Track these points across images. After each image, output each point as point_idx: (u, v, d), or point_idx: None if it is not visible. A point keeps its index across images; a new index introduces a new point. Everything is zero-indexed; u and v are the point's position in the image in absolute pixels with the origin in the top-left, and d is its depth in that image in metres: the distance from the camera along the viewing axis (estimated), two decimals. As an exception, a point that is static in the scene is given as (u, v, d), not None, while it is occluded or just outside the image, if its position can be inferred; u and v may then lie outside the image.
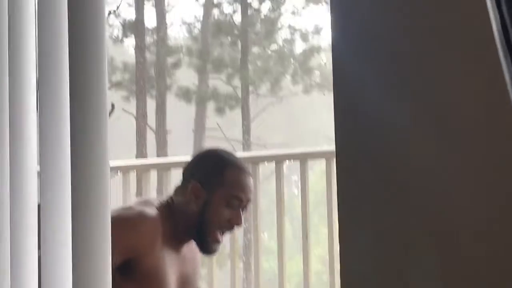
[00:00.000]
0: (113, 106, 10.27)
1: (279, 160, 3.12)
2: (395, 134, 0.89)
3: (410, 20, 0.89)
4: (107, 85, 1.32)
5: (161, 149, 12.70)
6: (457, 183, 0.85)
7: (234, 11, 13.20)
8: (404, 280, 0.87)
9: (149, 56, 13.18)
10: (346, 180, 0.91)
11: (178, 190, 2.21)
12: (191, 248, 2.21)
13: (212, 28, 13.23)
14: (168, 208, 2.17)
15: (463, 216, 0.84)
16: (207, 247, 2.17)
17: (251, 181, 2.19)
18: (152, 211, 2.13)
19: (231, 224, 2.15)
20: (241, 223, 2.16)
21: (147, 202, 2.22)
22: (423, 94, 0.88)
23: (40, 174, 1.32)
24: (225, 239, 3.13)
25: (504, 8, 0.71)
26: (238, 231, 3.36)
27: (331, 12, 0.94)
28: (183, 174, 2.25)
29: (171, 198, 2.21)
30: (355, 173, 0.90)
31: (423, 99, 0.88)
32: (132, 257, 2.06)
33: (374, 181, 0.89)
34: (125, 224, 2.06)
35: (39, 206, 1.34)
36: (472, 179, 0.84)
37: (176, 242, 2.16)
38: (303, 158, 3.05)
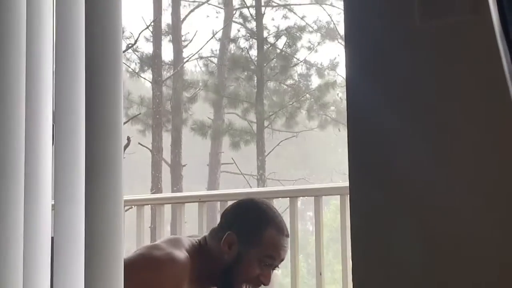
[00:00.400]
0: (129, 139, 10.33)
1: (293, 195, 3.11)
2: (409, 170, 0.88)
3: (424, 55, 0.89)
4: (123, 119, 1.32)
5: (176, 183, 12.71)
6: (473, 214, 0.84)
7: (250, 46, 13.30)
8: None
9: (166, 90, 13.28)
10: (360, 216, 0.90)
11: (213, 233, 2.17)
12: None
13: (228, 63, 13.33)
14: (199, 251, 2.13)
15: (480, 243, 0.83)
16: None
17: (288, 242, 2.17)
18: (181, 254, 2.09)
19: (259, 281, 2.13)
20: (269, 283, 2.13)
21: (177, 242, 2.17)
22: (438, 130, 0.87)
23: (54, 208, 1.32)
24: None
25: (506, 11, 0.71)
26: (252, 267, 3.33)
27: (345, 48, 0.95)
28: (222, 217, 2.22)
29: (204, 239, 2.17)
30: (369, 209, 0.89)
31: (438, 134, 0.87)
32: None
33: (388, 218, 0.88)
34: (153, 264, 2.03)
35: (52, 239, 1.34)
36: (487, 201, 0.83)
37: (200, 286, 2.13)
38: (317, 194, 3.04)
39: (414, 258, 0.86)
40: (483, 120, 0.85)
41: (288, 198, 3.09)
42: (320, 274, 2.89)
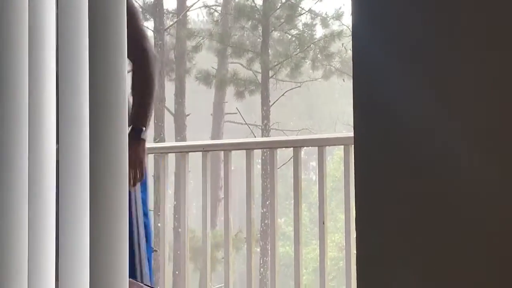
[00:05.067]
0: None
1: (297, 146, 3.11)
2: (414, 121, 0.88)
3: (433, 9, 0.88)
4: (127, 68, 1.32)
5: (180, 133, 12.74)
6: (477, 169, 0.84)
7: (255, -5, 13.15)
8: (422, 267, 0.86)
9: (169, 39, 13.19)
10: (364, 166, 0.90)
11: None
12: None
13: (233, 12, 13.20)
14: None
15: (484, 202, 0.83)
16: None
17: None
18: None
19: None
20: None
21: None
22: (444, 81, 0.87)
23: (58, 156, 1.33)
24: (242, 223, 3.12)
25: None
26: (256, 216, 3.37)
27: (352, -3, 0.93)
28: None
29: None
30: (373, 159, 0.89)
31: (444, 85, 0.87)
32: None
33: (392, 168, 0.88)
34: None
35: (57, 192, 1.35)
36: (492, 155, 0.83)
37: None
38: (321, 144, 3.04)
39: (419, 208, 0.86)
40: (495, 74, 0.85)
41: (292, 148, 3.10)
42: (323, 223, 2.92)
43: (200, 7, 13.79)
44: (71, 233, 1.28)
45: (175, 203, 11.05)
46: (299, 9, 13.30)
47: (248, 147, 3.18)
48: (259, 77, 12.93)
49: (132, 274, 2.33)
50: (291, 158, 3.14)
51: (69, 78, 1.32)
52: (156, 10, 12.82)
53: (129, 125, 2.29)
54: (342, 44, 12.96)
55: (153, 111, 2.49)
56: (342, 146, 3.00)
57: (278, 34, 13.37)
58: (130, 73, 2.39)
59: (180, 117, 12.83)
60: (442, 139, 0.86)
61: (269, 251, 3.22)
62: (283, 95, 13.35)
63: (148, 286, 2.36)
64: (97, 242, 1.23)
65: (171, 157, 3.55)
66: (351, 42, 0.94)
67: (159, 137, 12.26)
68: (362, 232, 0.89)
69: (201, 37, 13.10)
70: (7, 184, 1.35)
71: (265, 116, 12.85)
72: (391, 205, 0.88)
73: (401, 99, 0.90)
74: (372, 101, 0.91)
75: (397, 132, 0.89)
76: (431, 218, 0.85)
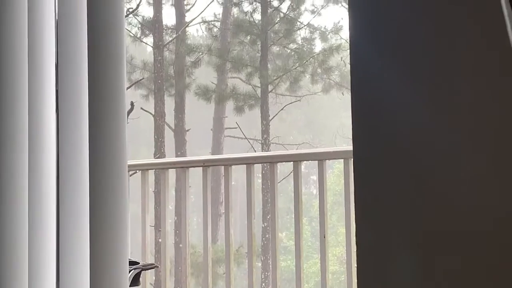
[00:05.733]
0: (132, 105, 10.31)
1: (297, 160, 3.12)
2: (413, 134, 0.88)
3: (429, 19, 0.89)
4: (127, 84, 1.32)
5: (180, 148, 12.73)
6: (479, 184, 0.84)
7: (254, 10, 13.19)
8: (420, 282, 0.86)
9: (169, 55, 13.21)
10: (363, 180, 0.90)
11: None
12: None
13: (232, 27, 13.24)
14: None
15: (485, 218, 0.83)
16: None
17: None
18: None
19: None
20: None
21: None
22: (442, 94, 0.87)
23: (58, 174, 1.33)
24: (243, 238, 3.10)
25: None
26: (256, 230, 3.36)
27: (349, 11, 0.94)
28: None
29: None
30: (372, 173, 0.90)
31: (441, 98, 0.87)
32: None
33: (391, 182, 0.89)
34: None
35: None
36: (492, 178, 0.84)
37: None
38: (321, 158, 3.05)
39: (416, 219, 0.86)
40: (485, 84, 0.85)
41: (292, 162, 3.10)
42: (324, 237, 2.91)
43: (199, 23, 13.83)
44: (71, 235, 1.28)
45: (175, 218, 11.02)
46: (298, 23, 13.34)
47: (248, 162, 3.18)
48: (259, 91, 12.94)
49: None
50: (291, 172, 3.14)
51: (68, 91, 1.32)
52: (155, 26, 12.86)
53: None
54: (341, 58, 12.98)
55: None
56: (342, 160, 3.00)
57: (277, 49, 13.40)
58: None
59: (180, 132, 12.83)
60: (442, 150, 0.87)
61: (271, 266, 3.21)
62: (282, 109, 13.36)
63: None
64: (97, 242, 1.23)
65: (172, 173, 3.55)
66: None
67: (159, 152, 12.25)
68: (361, 245, 0.89)
69: (200, 53, 13.13)
70: (8, 186, 1.35)
71: (265, 131, 12.85)
72: (391, 218, 0.88)
73: (399, 111, 0.90)
74: (370, 114, 0.91)
75: (396, 144, 0.89)
76: (431, 230, 0.86)
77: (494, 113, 0.84)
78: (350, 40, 0.95)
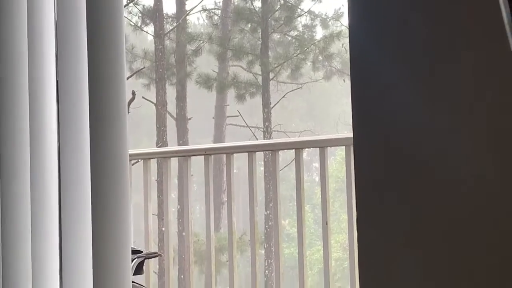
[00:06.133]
0: (134, 94, 10.30)
1: (298, 147, 3.12)
2: (412, 120, 0.88)
3: (432, 3, 0.88)
4: (128, 73, 1.32)
5: (182, 136, 12.74)
6: (474, 171, 0.84)
7: (254, -3, 13.15)
8: (422, 268, 0.86)
9: (170, 44, 13.19)
10: (364, 167, 0.90)
11: None
12: None
13: (232, 15, 13.21)
14: None
15: (481, 204, 0.84)
16: None
17: None
18: None
19: None
20: None
21: None
22: (441, 81, 0.87)
23: (60, 165, 1.33)
24: (246, 226, 3.11)
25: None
26: (259, 218, 3.38)
27: (348, -1, 0.94)
28: None
29: None
30: (372, 160, 0.90)
31: (441, 85, 0.87)
32: None
33: (392, 167, 0.89)
34: None
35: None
36: (489, 152, 0.84)
37: None
38: (322, 146, 3.05)
39: (418, 209, 0.87)
40: (484, 75, 0.85)
41: (294, 149, 3.10)
42: (326, 224, 2.92)
43: (199, 11, 13.80)
44: (73, 226, 1.28)
45: (178, 207, 11.04)
46: (298, 10, 13.30)
47: (250, 150, 3.19)
48: (260, 79, 12.93)
49: None
50: (293, 159, 3.14)
51: (69, 81, 1.32)
52: (156, 15, 12.83)
53: None
54: (342, 45, 12.95)
55: None
56: (344, 147, 3.00)
57: (278, 36, 13.37)
58: None
59: (182, 121, 12.83)
60: (441, 137, 0.87)
61: (274, 253, 3.22)
62: (284, 96, 13.35)
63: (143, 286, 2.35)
64: (100, 232, 1.23)
65: (174, 162, 3.55)
66: (348, 43, 0.94)
67: (161, 141, 12.26)
68: (362, 231, 0.89)
69: (201, 41, 13.11)
70: (10, 189, 1.35)
71: (267, 118, 12.84)
72: (392, 204, 0.89)
73: (399, 98, 0.90)
74: (370, 100, 0.91)
75: (396, 131, 0.89)
76: (431, 216, 0.86)
77: (495, 105, 0.84)
78: (349, 28, 0.95)
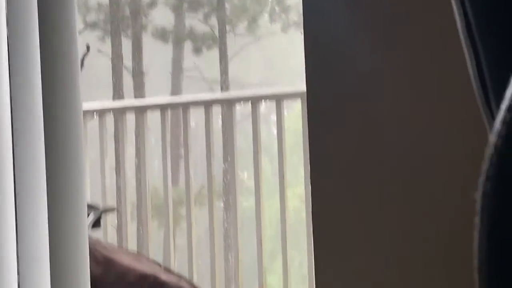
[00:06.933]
0: (88, 47, 10.13)
1: (255, 100, 3.12)
2: (366, 72, 0.89)
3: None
4: (81, 25, 1.30)
5: (138, 90, 12.61)
6: (425, 134, 0.86)
7: None
8: (375, 218, 0.88)
9: (124, -5, 12.94)
10: (317, 120, 0.91)
11: None
12: None
13: (188, -34, 12.99)
14: None
15: (431, 171, 0.85)
16: None
17: None
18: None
19: None
20: None
21: None
22: (394, 29, 0.88)
23: (12, 120, 1.31)
24: (203, 179, 3.14)
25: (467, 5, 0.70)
26: (217, 172, 3.39)
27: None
28: None
29: None
30: (325, 112, 0.91)
31: (393, 34, 0.88)
32: None
33: (345, 122, 0.90)
34: None
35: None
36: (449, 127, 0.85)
37: None
38: (279, 98, 3.06)
39: (371, 163, 0.88)
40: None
41: (250, 102, 3.11)
42: (283, 177, 2.95)
43: (154, -38, 13.53)
44: (27, 191, 1.27)
45: (136, 161, 11.00)
46: (255, -39, 13.15)
47: (206, 104, 3.18)
48: (216, 32, 12.81)
49: None
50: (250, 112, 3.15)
51: (18, 34, 1.29)
52: (109, -34, 12.54)
53: None
54: (299, -3, 12.89)
55: None
56: (300, 99, 3.02)
57: (235, -12, 13.22)
58: None
59: (138, 74, 12.69)
60: (392, 88, 0.88)
61: (231, 206, 3.26)
62: (241, 49, 13.28)
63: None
64: (54, 187, 1.23)
65: (131, 116, 3.52)
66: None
67: (118, 95, 12.12)
68: (316, 184, 0.91)
69: (156, -7, 12.88)
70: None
71: (224, 71, 12.78)
72: (345, 160, 0.90)
73: (352, 50, 0.90)
74: (323, 53, 0.91)
75: (349, 84, 0.90)
76: (384, 173, 0.87)
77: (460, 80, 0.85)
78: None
